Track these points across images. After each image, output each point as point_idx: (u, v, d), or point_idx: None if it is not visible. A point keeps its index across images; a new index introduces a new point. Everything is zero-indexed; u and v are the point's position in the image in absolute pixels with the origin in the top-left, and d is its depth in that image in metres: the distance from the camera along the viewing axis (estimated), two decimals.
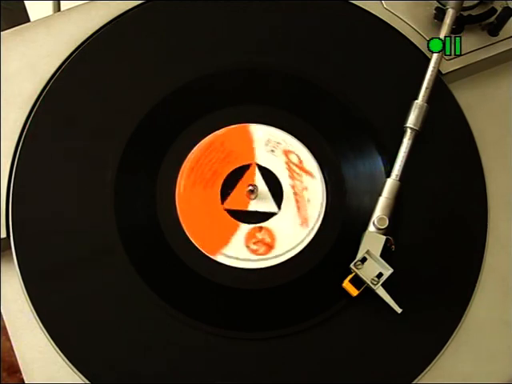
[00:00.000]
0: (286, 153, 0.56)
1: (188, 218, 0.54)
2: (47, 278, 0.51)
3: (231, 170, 0.56)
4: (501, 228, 0.55)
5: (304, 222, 0.54)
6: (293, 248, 0.53)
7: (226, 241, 0.53)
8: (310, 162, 0.56)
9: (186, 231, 0.53)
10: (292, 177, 0.55)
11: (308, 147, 0.57)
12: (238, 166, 0.56)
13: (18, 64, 0.58)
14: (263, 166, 0.56)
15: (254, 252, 0.53)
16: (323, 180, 0.56)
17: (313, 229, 0.54)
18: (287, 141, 0.57)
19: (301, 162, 0.56)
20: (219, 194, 0.55)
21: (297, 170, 0.56)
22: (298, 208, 0.55)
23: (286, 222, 0.54)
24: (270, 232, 0.54)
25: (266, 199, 0.55)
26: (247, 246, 0.53)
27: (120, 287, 0.51)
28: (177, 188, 0.54)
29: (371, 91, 0.58)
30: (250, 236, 0.54)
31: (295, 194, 0.55)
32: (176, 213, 0.54)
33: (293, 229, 0.54)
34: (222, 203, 0.54)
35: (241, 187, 0.55)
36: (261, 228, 0.54)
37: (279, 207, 0.55)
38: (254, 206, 0.55)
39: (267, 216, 0.54)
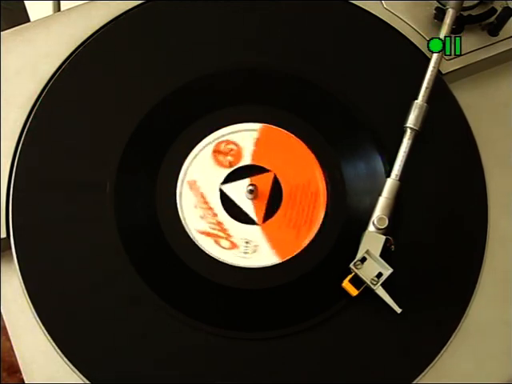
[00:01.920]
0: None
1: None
2: (47, 278, 0.51)
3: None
4: (501, 228, 0.55)
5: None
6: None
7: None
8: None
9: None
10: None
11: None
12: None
13: (17, 64, 0.58)
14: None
15: (220, 163, 0.54)
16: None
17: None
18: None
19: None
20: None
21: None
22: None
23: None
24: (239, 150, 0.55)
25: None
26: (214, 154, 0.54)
27: (120, 287, 0.51)
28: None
29: (371, 91, 0.58)
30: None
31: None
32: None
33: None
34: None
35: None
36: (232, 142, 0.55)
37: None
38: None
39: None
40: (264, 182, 0.55)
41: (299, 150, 0.56)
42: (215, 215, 0.54)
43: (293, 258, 0.53)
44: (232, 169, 0.56)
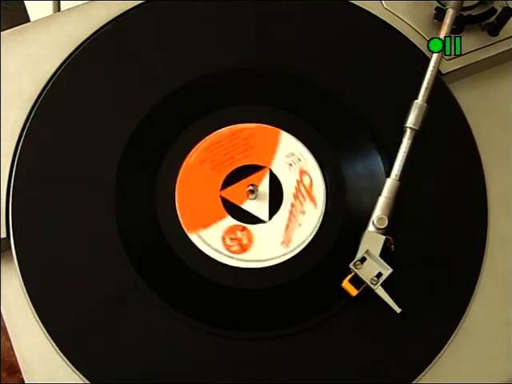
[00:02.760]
0: (302, 172, 0.56)
1: (183, 190, 0.54)
2: (47, 278, 0.51)
3: (245, 163, 0.56)
4: (501, 228, 0.55)
5: (286, 242, 0.54)
6: (263, 260, 0.53)
7: (206, 224, 0.54)
8: (319, 189, 0.56)
9: (183, 227, 0.53)
10: (296, 197, 0.55)
11: (308, 147, 0.57)
12: (253, 163, 0.56)
13: (18, 64, 0.58)
14: (275, 173, 0.56)
15: (228, 247, 0.53)
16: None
17: (291, 252, 0.53)
18: (307, 161, 0.56)
19: (311, 186, 0.56)
20: (222, 180, 0.55)
21: (304, 193, 0.55)
22: (287, 227, 0.54)
23: (269, 234, 0.54)
24: (250, 235, 0.54)
25: (262, 205, 0.55)
26: (223, 238, 0.53)
27: (120, 287, 0.51)
28: (186, 159, 0.55)
29: (371, 91, 0.58)
30: (230, 230, 0.54)
31: (291, 213, 0.55)
32: (176, 213, 0.54)
33: (272, 244, 0.54)
34: (221, 190, 0.55)
35: (244, 183, 0.55)
36: (244, 228, 0.54)
37: (270, 218, 0.55)
38: (248, 205, 0.55)
39: (255, 220, 0.54)
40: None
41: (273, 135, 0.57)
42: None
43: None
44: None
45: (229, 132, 0.56)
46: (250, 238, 0.54)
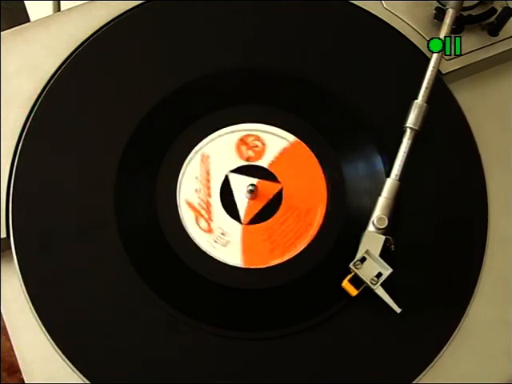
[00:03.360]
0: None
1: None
2: (47, 278, 0.51)
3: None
4: (501, 228, 0.55)
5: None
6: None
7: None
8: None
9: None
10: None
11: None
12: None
13: (18, 64, 0.58)
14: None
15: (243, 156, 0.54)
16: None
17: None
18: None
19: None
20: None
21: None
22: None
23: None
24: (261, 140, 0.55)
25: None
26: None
27: (120, 287, 0.51)
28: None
29: (371, 91, 0.58)
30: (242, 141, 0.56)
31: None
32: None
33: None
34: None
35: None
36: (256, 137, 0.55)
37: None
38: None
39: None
40: (268, 190, 0.55)
41: (316, 177, 0.56)
42: (209, 195, 0.55)
43: (293, 258, 0.53)
44: (247, 163, 0.56)
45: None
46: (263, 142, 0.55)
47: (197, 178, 0.55)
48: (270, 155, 0.56)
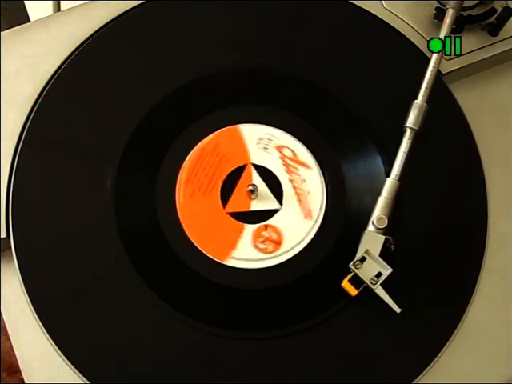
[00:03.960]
0: (279, 148, 0.56)
1: (193, 228, 0.54)
2: (47, 278, 0.51)
3: (228, 173, 0.55)
4: (501, 228, 0.55)
5: (308, 214, 0.54)
6: (301, 241, 0.53)
7: (233, 244, 0.53)
8: (304, 154, 0.56)
9: (187, 233, 0.53)
10: (289, 171, 0.56)
11: (308, 147, 0.57)
12: (233, 168, 0.56)
13: (18, 64, 0.58)
14: (258, 164, 0.56)
15: (263, 251, 0.53)
16: (320, 171, 0.56)
17: (317, 220, 0.54)
18: (278, 136, 0.57)
19: (295, 155, 0.56)
20: (219, 198, 0.55)
21: (292, 163, 0.56)
22: (300, 201, 0.55)
23: (290, 216, 0.54)
24: (275, 229, 0.54)
25: (266, 197, 0.55)
26: (255, 246, 0.53)
27: (120, 287, 0.51)
28: (176, 200, 0.54)
29: (371, 91, 0.58)
30: (256, 235, 0.54)
31: (295, 187, 0.55)
32: (176, 213, 0.54)
33: (297, 222, 0.54)
34: (224, 207, 0.54)
35: (240, 189, 0.55)
36: (266, 226, 0.54)
37: (281, 203, 0.55)
38: (255, 205, 0.55)
39: (270, 213, 0.54)
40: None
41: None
42: None
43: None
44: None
45: (196, 155, 0.56)
46: (277, 231, 0.54)
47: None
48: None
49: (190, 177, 0.55)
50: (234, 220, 0.54)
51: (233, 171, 0.56)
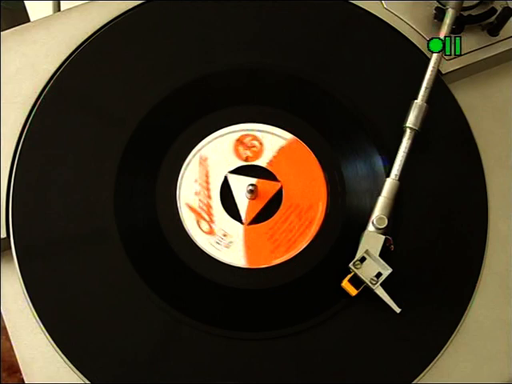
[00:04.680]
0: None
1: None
2: (47, 278, 0.51)
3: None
4: (501, 228, 0.55)
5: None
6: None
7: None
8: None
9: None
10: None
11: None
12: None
13: (18, 64, 0.58)
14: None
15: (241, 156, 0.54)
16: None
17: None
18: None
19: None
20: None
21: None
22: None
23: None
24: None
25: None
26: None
27: (120, 287, 0.51)
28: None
29: (371, 91, 0.58)
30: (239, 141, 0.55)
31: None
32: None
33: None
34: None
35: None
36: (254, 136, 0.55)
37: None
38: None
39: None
40: (268, 189, 0.55)
41: (315, 173, 0.56)
42: (209, 197, 0.54)
43: (293, 258, 0.53)
44: (246, 163, 0.56)
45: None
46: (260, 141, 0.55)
47: (196, 181, 0.55)
48: (267, 154, 0.56)
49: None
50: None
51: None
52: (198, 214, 0.54)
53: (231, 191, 0.55)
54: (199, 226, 0.53)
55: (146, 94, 0.57)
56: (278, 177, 0.56)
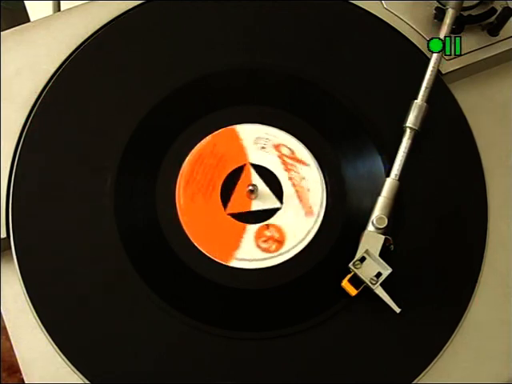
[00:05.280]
0: (277, 147, 0.56)
1: (194, 230, 0.54)
2: (47, 278, 0.51)
3: (227, 174, 0.55)
4: (501, 228, 0.55)
5: (309, 211, 0.54)
6: (301, 241, 0.53)
7: (236, 245, 0.53)
8: (302, 151, 0.56)
9: (188, 235, 0.53)
10: (287, 169, 0.56)
11: (308, 147, 0.57)
12: (232, 168, 0.56)
13: (18, 64, 0.58)
14: (257, 164, 0.56)
15: (266, 250, 0.53)
16: (320, 170, 0.56)
17: (319, 216, 0.54)
18: (275, 135, 0.57)
19: (293, 152, 0.56)
20: (220, 200, 0.55)
21: (290, 161, 0.56)
22: (300, 199, 0.55)
23: (291, 214, 0.54)
24: (277, 228, 0.54)
25: (267, 196, 0.55)
26: (258, 246, 0.53)
27: (120, 287, 0.51)
28: (177, 202, 0.54)
29: (371, 91, 0.58)
30: (258, 235, 0.54)
31: (294, 185, 0.55)
32: (176, 213, 0.54)
33: (299, 220, 0.54)
34: (225, 209, 0.54)
35: (240, 189, 0.55)
36: (268, 226, 0.54)
37: (281, 202, 0.55)
38: (256, 205, 0.55)
39: (271, 212, 0.55)
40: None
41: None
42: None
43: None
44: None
45: (194, 157, 0.56)
46: (279, 230, 0.54)
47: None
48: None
49: (189, 179, 0.55)
50: (235, 221, 0.54)
51: (231, 172, 0.56)
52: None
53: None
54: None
55: (146, 94, 0.57)
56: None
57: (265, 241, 0.53)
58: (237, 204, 0.55)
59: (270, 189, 0.55)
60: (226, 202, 0.55)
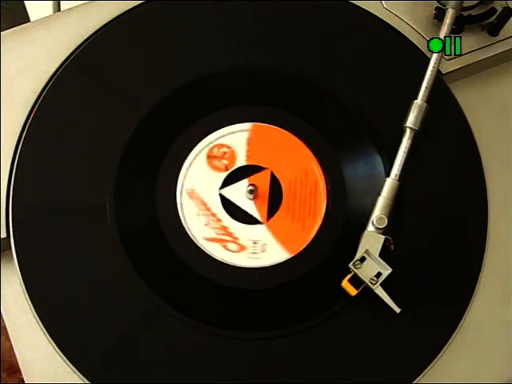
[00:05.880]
0: None
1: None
2: (47, 278, 0.51)
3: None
4: (501, 228, 0.55)
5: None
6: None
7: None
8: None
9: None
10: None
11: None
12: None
13: (18, 64, 0.58)
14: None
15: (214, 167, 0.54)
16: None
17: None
18: None
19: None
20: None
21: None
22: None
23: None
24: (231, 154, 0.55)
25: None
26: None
27: (120, 287, 0.51)
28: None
29: (371, 91, 0.58)
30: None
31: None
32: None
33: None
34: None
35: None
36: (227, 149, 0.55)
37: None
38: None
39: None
40: (262, 180, 0.55)
41: (291, 143, 0.57)
42: (219, 220, 0.54)
43: (293, 258, 0.53)
44: (228, 172, 0.56)
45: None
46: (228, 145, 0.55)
47: (198, 215, 0.54)
48: (241, 152, 0.56)
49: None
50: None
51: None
52: (221, 241, 0.54)
53: (233, 203, 0.55)
54: (229, 250, 0.53)
55: (145, 94, 0.57)
56: (262, 165, 0.56)
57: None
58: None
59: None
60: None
